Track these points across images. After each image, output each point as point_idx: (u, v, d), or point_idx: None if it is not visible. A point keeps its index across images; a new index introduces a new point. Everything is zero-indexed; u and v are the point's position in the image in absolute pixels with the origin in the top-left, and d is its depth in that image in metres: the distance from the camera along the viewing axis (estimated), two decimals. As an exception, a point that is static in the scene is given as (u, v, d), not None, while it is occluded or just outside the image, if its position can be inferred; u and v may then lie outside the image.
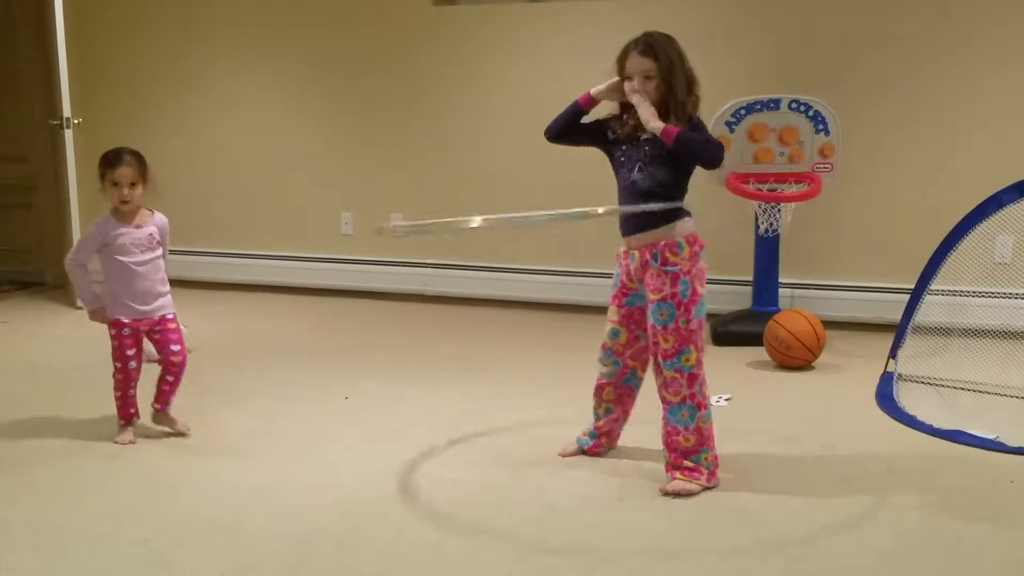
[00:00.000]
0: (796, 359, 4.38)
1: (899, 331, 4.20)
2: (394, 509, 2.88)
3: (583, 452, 3.32)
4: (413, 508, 2.88)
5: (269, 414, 3.79)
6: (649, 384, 3.18)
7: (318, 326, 5.44)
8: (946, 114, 4.99)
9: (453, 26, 5.77)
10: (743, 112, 4.76)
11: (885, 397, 3.92)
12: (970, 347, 4.18)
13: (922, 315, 4.15)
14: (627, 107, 3.03)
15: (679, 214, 3.01)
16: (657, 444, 3.11)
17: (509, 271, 5.76)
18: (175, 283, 3.70)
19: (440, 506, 2.89)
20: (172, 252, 3.67)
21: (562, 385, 4.12)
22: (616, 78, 3.02)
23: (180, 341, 3.55)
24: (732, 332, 4.79)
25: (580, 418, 3.41)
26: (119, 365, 3.49)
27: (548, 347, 4.88)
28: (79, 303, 5.63)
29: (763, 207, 4.83)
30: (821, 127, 4.76)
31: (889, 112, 5.05)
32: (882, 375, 4.15)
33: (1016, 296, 4.60)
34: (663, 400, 3.05)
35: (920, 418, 3.64)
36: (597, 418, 3.30)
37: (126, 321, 3.46)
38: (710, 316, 3.59)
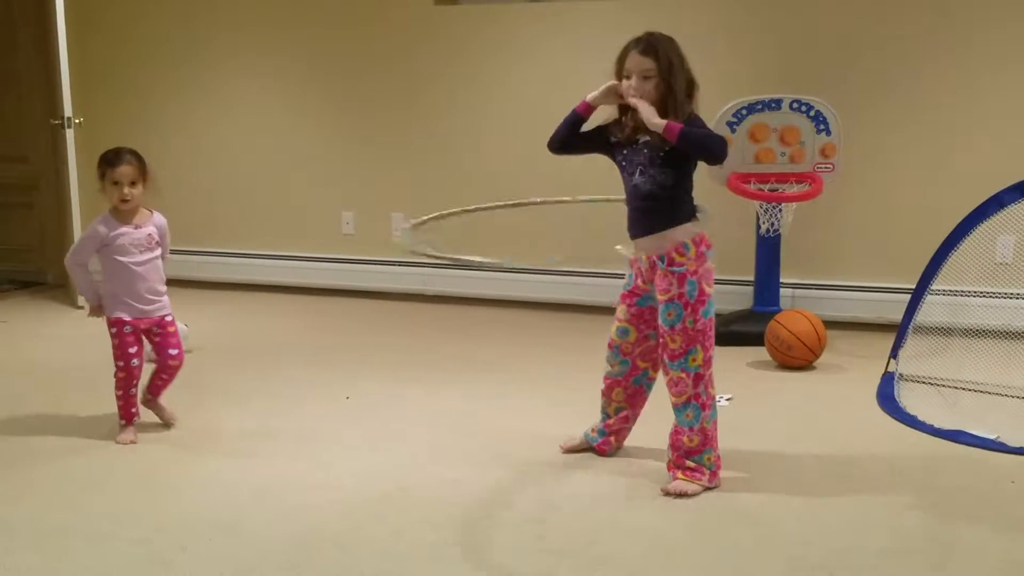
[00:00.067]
0: (797, 359, 4.38)
1: (900, 331, 4.20)
2: (394, 509, 2.88)
3: (591, 449, 3.32)
4: (413, 508, 2.88)
5: (270, 414, 3.79)
6: (657, 384, 3.19)
7: (319, 326, 5.45)
8: (946, 114, 4.98)
9: (454, 26, 5.77)
10: (744, 112, 4.75)
11: (886, 397, 3.92)
12: (971, 347, 4.18)
13: (923, 315, 4.15)
14: (625, 110, 3.03)
15: (684, 215, 3.01)
16: (658, 443, 3.11)
17: (510, 271, 5.75)
18: (176, 283, 3.71)
19: (440, 506, 2.89)
20: (172, 252, 3.68)
21: (563, 385, 4.12)
22: (611, 82, 3.01)
23: (179, 344, 3.59)
24: (733, 332, 4.78)
25: (581, 418, 3.41)
26: (121, 363, 3.49)
27: (549, 347, 4.88)
28: (80, 302, 5.64)
29: (764, 207, 4.83)
30: (822, 127, 4.76)
31: (889, 112, 5.05)
32: (883, 375, 4.15)
33: (1017, 296, 4.60)
34: (671, 399, 3.06)
35: (921, 418, 3.64)
36: (607, 417, 3.30)
37: (127, 319, 3.47)
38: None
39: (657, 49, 2.93)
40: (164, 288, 3.56)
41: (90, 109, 6.10)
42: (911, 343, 4.17)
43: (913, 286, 4.20)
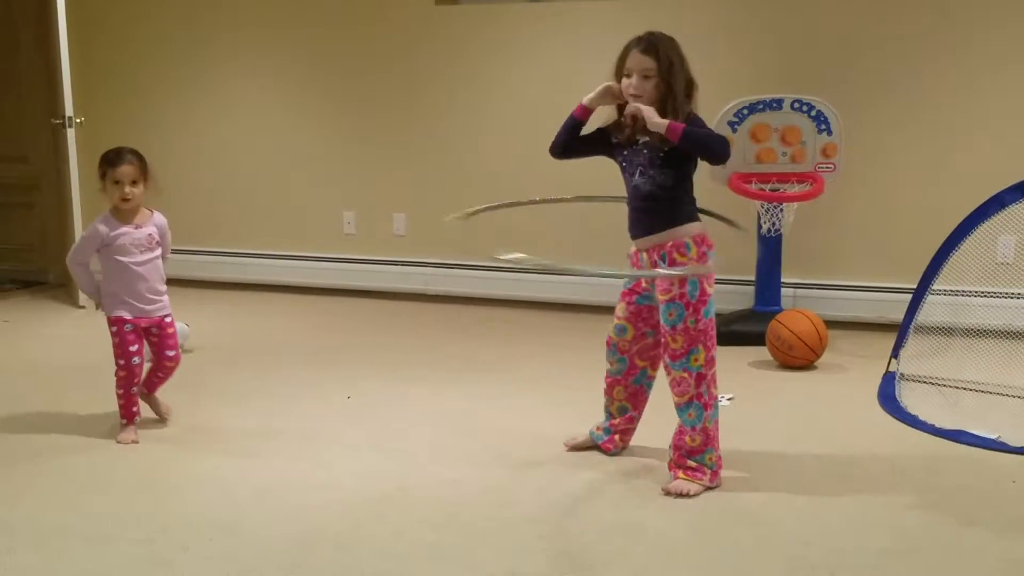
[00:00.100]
0: (798, 359, 4.38)
1: (901, 331, 4.20)
2: (394, 509, 2.87)
3: (596, 447, 3.32)
4: (413, 508, 2.88)
5: (270, 414, 3.79)
6: (659, 384, 3.18)
7: (320, 326, 5.45)
8: (947, 114, 4.98)
9: (454, 26, 5.77)
10: (746, 112, 4.75)
11: (887, 397, 3.92)
12: (972, 347, 4.18)
13: (924, 315, 4.15)
14: (623, 110, 3.03)
15: (685, 216, 3.00)
16: (658, 443, 3.11)
17: (510, 271, 5.75)
18: (176, 283, 3.71)
19: (440, 506, 2.89)
20: (173, 251, 3.68)
21: (565, 385, 4.12)
22: (607, 83, 3.01)
23: (176, 346, 3.61)
24: (734, 332, 4.78)
25: (582, 418, 3.41)
26: (122, 362, 3.49)
27: (551, 347, 4.88)
28: (82, 302, 5.65)
29: (766, 207, 4.83)
30: (824, 127, 4.76)
31: (890, 112, 5.05)
32: (884, 375, 4.15)
33: (1018, 296, 4.59)
34: (673, 399, 3.06)
35: (922, 418, 3.64)
36: (611, 416, 3.30)
37: (128, 318, 3.47)
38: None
39: (658, 48, 2.92)
40: (164, 288, 3.57)
41: (91, 109, 6.11)
42: (912, 343, 4.17)
43: (914, 286, 4.20)
